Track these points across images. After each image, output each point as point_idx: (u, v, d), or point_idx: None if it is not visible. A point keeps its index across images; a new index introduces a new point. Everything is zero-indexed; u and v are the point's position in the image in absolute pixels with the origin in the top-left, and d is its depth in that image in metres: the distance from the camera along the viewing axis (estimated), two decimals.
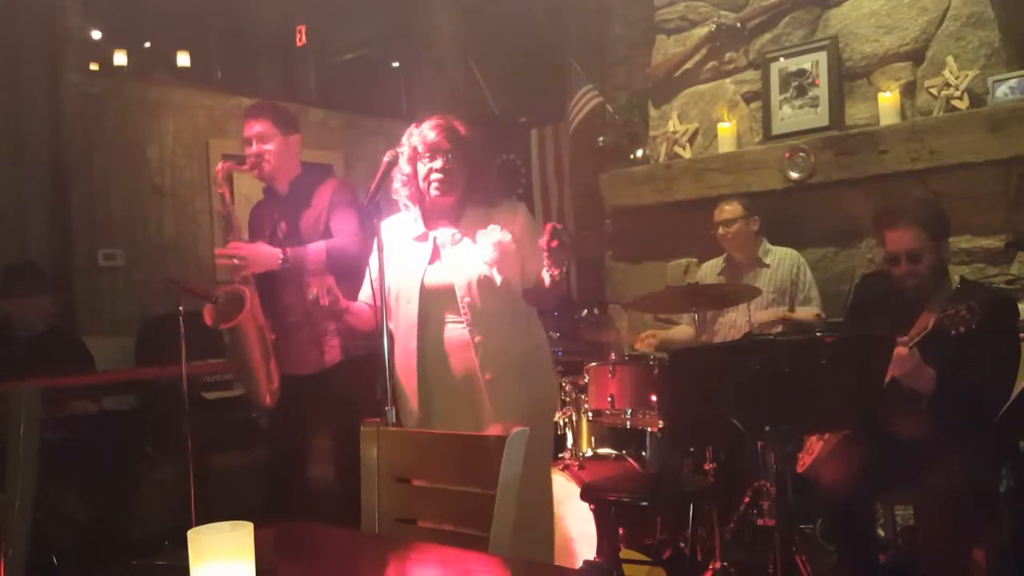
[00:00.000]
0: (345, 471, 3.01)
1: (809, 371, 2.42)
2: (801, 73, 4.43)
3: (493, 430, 2.60)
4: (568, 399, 3.81)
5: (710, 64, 4.84)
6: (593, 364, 3.73)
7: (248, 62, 6.38)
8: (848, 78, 4.35)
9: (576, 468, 3.50)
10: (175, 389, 3.58)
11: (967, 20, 3.98)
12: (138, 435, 4.13)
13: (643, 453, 3.89)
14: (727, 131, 4.66)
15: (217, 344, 4.16)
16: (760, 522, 3.26)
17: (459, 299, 2.69)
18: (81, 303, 4.95)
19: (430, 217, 2.81)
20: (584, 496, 3.25)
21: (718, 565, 3.07)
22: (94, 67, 5.32)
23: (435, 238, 2.78)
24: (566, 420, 3.81)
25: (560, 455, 3.69)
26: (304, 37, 6.20)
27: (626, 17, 5.31)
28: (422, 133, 2.74)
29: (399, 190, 2.79)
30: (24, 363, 3.57)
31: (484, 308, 2.69)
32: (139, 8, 5.63)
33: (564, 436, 3.82)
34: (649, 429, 3.67)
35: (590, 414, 3.71)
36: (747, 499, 3.37)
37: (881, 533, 3.35)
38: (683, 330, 4.24)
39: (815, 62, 4.39)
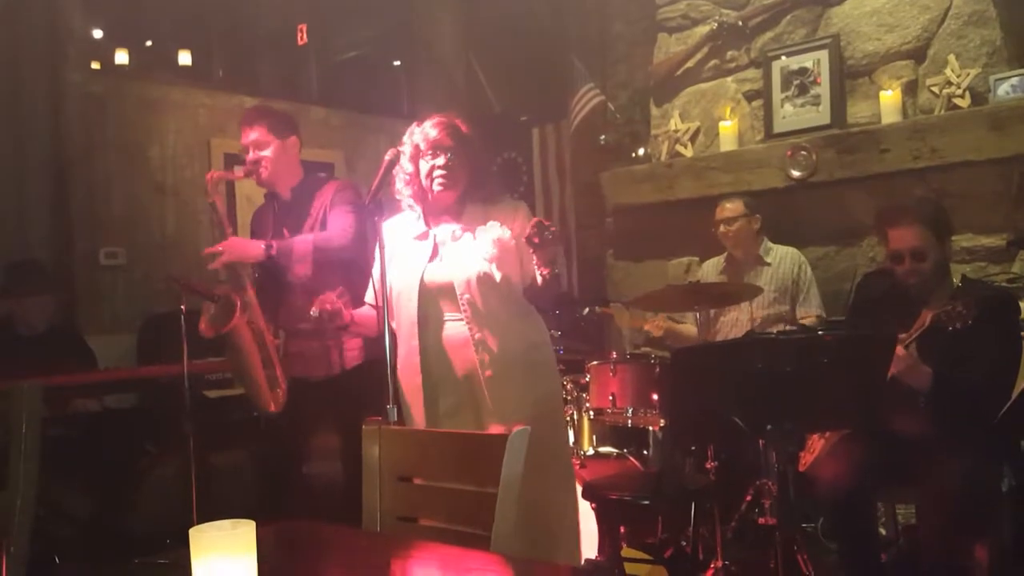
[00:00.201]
0: (351, 470, 3.01)
1: (810, 370, 2.42)
2: (803, 71, 4.43)
3: (494, 428, 2.60)
4: (569, 398, 3.81)
5: (712, 62, 4.84)
6: (594, 363, 3.73)
7: (249, 61, 6.37)
8: (850, 76, 4.35)
9: (578, 467, 3.50)
10: (177, 387, 3.59)
11: (969, 18, 3.98)
12: (140, 433, 4.13)
13: (644, 452, 3.89)
14: (728, 130, 4.66)
15: (219, 343, 4.17)
16: (762, 521, 3.24)
17: (459, 296, 2.69)
18: (82, 301, 4.95)
19: (432, 214, 2.82)
20: (586, 495, 3.25)
21: (720, 564, 3.06)
22: (95, 66, 5.32)
23: (435, 236, 2.78)
24: (568, 419, 3.81)
25: None
26: (305, 36, 6.19)
27: (627, 15, 5.30)
28: (424, 131, 2.74)
29: (402, 189, 2.80)
30: (26, 361, 3.57)
31: (484, 305, 2.68)
32: (140, 7, 5.62)
33: (568, 435, 3.82)
34: (650, 428, 3.68)
35: (591, 413, 3.71)
36: (749, 498, 3.37)
37: (883, 532, 3.35)
38: (689, 328, 4.25)
39: (817, 60, 4.39)
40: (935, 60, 4.07)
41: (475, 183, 2.78)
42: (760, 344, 2.69)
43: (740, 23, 4.69)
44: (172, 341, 3.51)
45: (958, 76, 3.92)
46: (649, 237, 5.07)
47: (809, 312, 3.98)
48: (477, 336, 2.69)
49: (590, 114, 5.24)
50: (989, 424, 2.72)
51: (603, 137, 5.36)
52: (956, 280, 3.04)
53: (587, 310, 4.73)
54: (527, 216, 2.79)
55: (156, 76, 5.59)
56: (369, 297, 2.84)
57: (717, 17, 4.76)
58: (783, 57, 4.51)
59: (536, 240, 2.41)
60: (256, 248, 3.09)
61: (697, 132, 4.87)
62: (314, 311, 2.65)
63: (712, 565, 3.08)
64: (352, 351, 3.19)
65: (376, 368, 2.63)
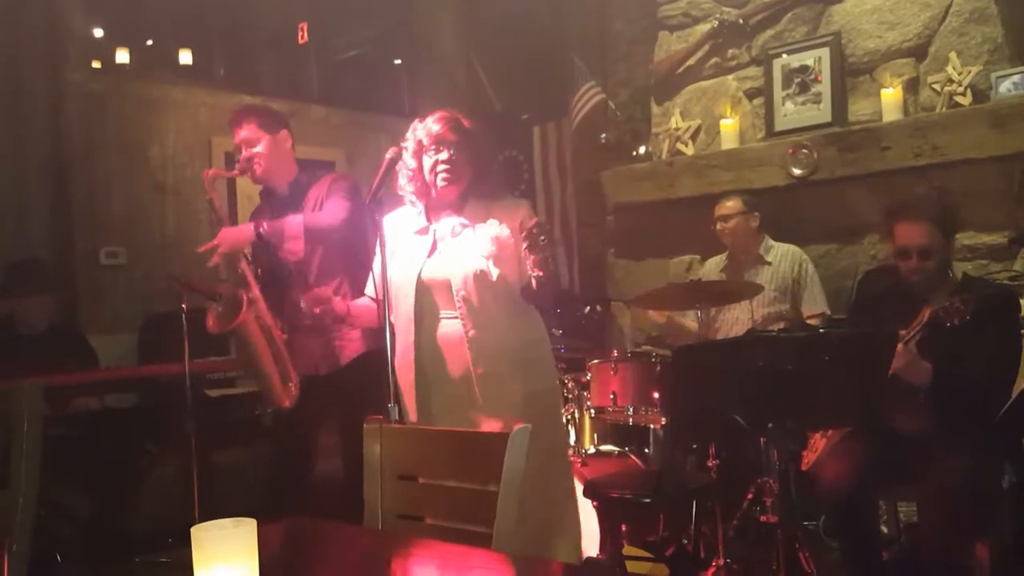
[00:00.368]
0: (351, 468, 3.01)
1: (812, 368, 2.42)
2: (804, 69, 4.43)
3: (485, 425, 2.60)
4: (571, 396, 3.81)
5: (712, 60, 4.84)
6: (595, 361, 3.74)
7: (250, 60, 6.37)
8: (851, 74, 4.34)
9: (579, 465, 3.51)
10: (178, 386, 3.58)
11: (970, 16, 3.97)
12: (141, 432, 4.13)
13: (646, 450, 3.89)
14: (730, 128, 4.66)
15: (220, 342, 4.17)
16: (763, 519, 3.26)
17: (454, 293, 2.69)
18: (83, 301, 4.95)
19: (435, 210, 2.81)
20: (587, 493, 3.26)
21: (721, 562, 3.06)
22: (96, 65, 5.32)
23: (435, 231, 2.78)
24: (569, 417, 3.81)
25: None
26: (306, 35, 6.19)
27: (628, 13, 5.30)
28: (427, 127, 2.75)
29: (405, 185, 2.79)
30: (27, 361, 3.57)
31: (479, 302, 2.68)
32: (141, 6, 5.62)
33: (567, 433, 3.82)
34: (652, 426, 3.68)
35: (593, 411, 3.71)
36: (750, 496, 3.37)
37: (884, 530, 3.35)
38: (691, 322, 4.24)
39: (818, 58, 4.39)
40: (936, 57, 4.07)
41: (478, 178, 2.77)
42: (761, 342, 2.70)
43: (741, 21, 4.68)
44: (173, 340, 3.51)
45: (959, 74, 3.92)
46: (650, 235, 5.07)
47: (814, 310, 3.97)
48: (471, 333, 2.68)
49: (591, 112, 5.24)
50: (990, 422, 2.72)
51: (604, 135, 5.35)
52: (958, 277, 3.04)
53: (588, 308, 4.73)
54: (528, 214, 2.79)
55: (157, 75, 5.59)
56: (369, 290, 2.84)
57: (718, 15, 4.75)
58: (784, 55, 4.51)
59: (527, 243, 2.41)
60: (247, 231, 3.09)
61: (698, 130, 4.87)
62: (304, 306, 2.66)
63: (713, 563, 3.08)
64: (351, 344, 3.19)
65: (376, 361, 2.64)
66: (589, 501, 3.27)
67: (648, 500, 3.15)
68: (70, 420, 3.80)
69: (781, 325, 3.95)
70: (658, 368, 3.52)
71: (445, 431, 2.31)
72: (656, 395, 3.48)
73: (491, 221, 2.70)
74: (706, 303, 3.80)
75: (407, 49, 6.80)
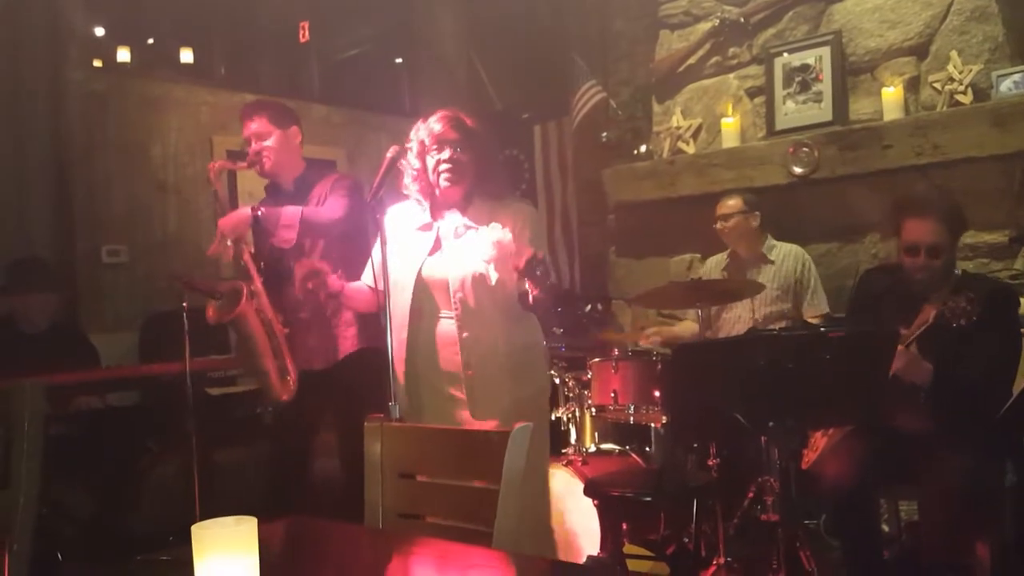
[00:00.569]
0: (350, 466, 3.01)
1: (812, 367, 2.42)
2: (805, 68, 4.42)
3: (473, 427, 2.60)
4: (571, 395, 3.81)
5: (713, 59, 4.84)
6: (596, 360, 3.73)
7: (251, 58, 6.37)
8: (852, 73, 4.34)
9: (579, 464, 3.51)
10: (179, 385, 3.59)
11: (971, 14, 3.97)
12: (142, 431, 4.12)
13: (647, 449, 3.89)
14: (730, 126, 4.66)
15: (221, 340, 4.17)
16: (764, 517, 3.25)
17: (451, 293, 2.68)
18: (85, 299, 4.96)
19: (439, 210, 2.81)
20: (588, 492, 3.26)
21: (722, 560, 3.06)
22: (97, 64, 5.32)
23: (438, 228, 2.77)
24: (570, 416, 3.81)
25: (564, 451, 3.70)
26: (307, 33, 6.19)
27: (628, 12, 5.30)
28: (429, 126, 2.75)
29: (409, 185, 2.79)
30: (28, 359, 3.57)
31: (476, 305, 2.68)
32: (142, 5, 5.62)
33: (568, 432, 3.82)
34: (652, 425, 3.67)
35: (593, 410, 3.71)
36: (751, 494, 3.36)
37: (885, 529, 3.35)
38: (688, 326, 4.24)
39: (819, 57, 4.38)
40: (937, 56, 4.07)
41: (482, 177, 2.77)
42: (762, 341, 2.70)
43: (742, 20, 4.68)
44: (174, 339, 3.52)
45: (960, 72, 3.91)
46: (651, 234, 5.07)
47: (817, 310, 3.97)
48: (464, 335, 2.68)
49: (592, 111, 5.23)
50: (991, 420, 2.72)
51: (605, 134, 5.35)
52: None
53: (589, 307, 4.73)
54: (532, 219, 2.79)
55: (158, 74, 5.59)
56: (368, 279, 2.84)
57: (719, 14, 4.75)
58: (785, 54, 4.51)
59: (521, 274, 2.41)
60: (245, 212, 3.11)
61: (699, 129, 4.87)
62: (298, 277, 2.68)
63: (714, 562, 3.08)
64: (348, 339, 3.19)
65: (373, 357, 2.63)
66: (590, 499, 3.27)
67: (649, 498, 3.15)
68: (71, 419, 3.80)
69: (783, 324, 3.95)
70: (659, 367, 3.51)
71: (445, 430, 2.31)
72: (657, 394, 3.47)
73: (494, 225, 2.70)
74: (707, 302, 3.80)
75: (408, 48, 6.80)
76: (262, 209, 3.10)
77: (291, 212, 3.08)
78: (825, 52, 4.36)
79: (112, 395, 4.09)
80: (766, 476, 3.21)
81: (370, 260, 2.78)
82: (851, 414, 2.69)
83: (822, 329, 3.47)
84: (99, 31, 5.48)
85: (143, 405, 4.34)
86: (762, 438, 2.83)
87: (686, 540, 3.31)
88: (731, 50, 4.77)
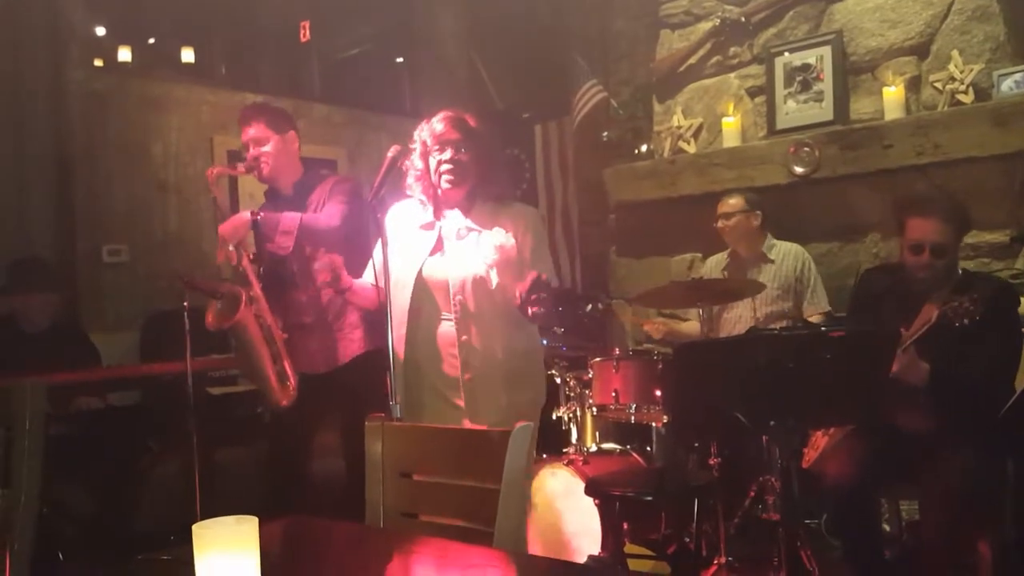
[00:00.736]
0: (352, 466, 3.01)
1: (813, 366, 2.42)
2: (805, 68, 4.42)
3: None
4: (572, 394, 3.81)
5: (714, 59, 4.84)
6: (597, 359, 3.74)
7: (252, 58, 6.38)
8: (853, 72, 4.34)
9: (580, 463, 3.50)
10: (180, 384, 3.59)
11: (972, 14, 3.97)
12: (143, 430, 4.13)
13: (648, 448, 3.89)
14: (731, 126, 4.65)
15: (222, 340, 4.16)
16: (765, 517, 3.24)
17: (451, 296, 2.68)
18: (85, 299, 4.96)
19: (442, 210, 2.81)
20: (588, 491, 3.25)
21: (723, 560, 3.07)
22: (98, 63, 5.33)
23: (441, 228, 2.77)
24: (571, 415, 3.81)
25: (564, 450, 3.69)
26: (308, 33, 6.19)
27: (629, 12, 5.30)
28: (431, 127, 2.74)
29: (413, 186, 2.79)
30: (29, 359, 3.57)
31: (475, 308, 2.68)
32: (143, 5, 5.63)
33: (569, 431, 3.82)
34: (653, 424, 3.68)
35: (594, 409, 3.71)
36: (752, 494, 3.37)
37: (886, 528, 3.35)
38: (692, 326, 4.24)
39: (820, 56, 4.38)
40: (938, 56, 4.06)
41: (484, 178, 2.76)
42: (763, 340, 2.69)
43: (743, 19, 4.68)
44: (175, 338, 3.52)
45: (961, 72, 3.91)
46: (652, 233, 5.07)
47: (817, 308, 3.97)
48: (463, 338, 2.68)
49: (593, 111, 5.23)
50: (992, 419, 2.72)
51: (606, 134, 5.35)
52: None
53: (590, 307, 4.73)
54: (534, 222, 2.78)
55: (158, 73, 5.60)
56: (368, 277, 2.84)
57: (720, 13, 4.75)
58: (786, 53, 4.51)
59: (525, 299, 2.40)
60: (244, 216, 3.11)
61: (700, 128, 4.86)
62: (317, 268, 2.68)
63: (715, 561, 3.08)
64: (352, 343, 3.19)
65: (376, 359, 2.63)
66: (591, 499, 3.27)
67: (650, 498, 3.15)
68: (72, 418, 3.80)
69: (784, 324, 3.95)
70: (660, 366, 3.51)
71: (447, 429, 2.31)
72: (658, 393, 3.47)
73: (497, 229, 2.69)
74: (708, 301, 3.80)
75: (409, 47, 6.80)
76: (261, 214, 3.10)
77: (290, 219, 3.07)
78: (826, 51, 4.36)
79: (113, 395, 4.10)
80: (767, 475, 3.21)
81: (371, 260, 2.77)
82: (852, 413, 2.68)
83: (823, 329, 3.46)
84: (100, 31, 5.49)
85: (144, 405, 4.34)
86: (763, 437, 2.82)
87: (687, 539, 3.31)
88: (732, 49, 4.76)
